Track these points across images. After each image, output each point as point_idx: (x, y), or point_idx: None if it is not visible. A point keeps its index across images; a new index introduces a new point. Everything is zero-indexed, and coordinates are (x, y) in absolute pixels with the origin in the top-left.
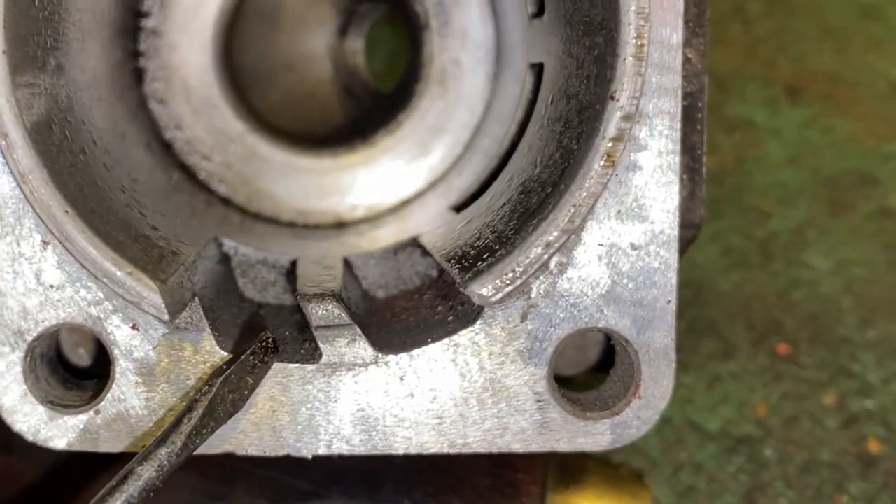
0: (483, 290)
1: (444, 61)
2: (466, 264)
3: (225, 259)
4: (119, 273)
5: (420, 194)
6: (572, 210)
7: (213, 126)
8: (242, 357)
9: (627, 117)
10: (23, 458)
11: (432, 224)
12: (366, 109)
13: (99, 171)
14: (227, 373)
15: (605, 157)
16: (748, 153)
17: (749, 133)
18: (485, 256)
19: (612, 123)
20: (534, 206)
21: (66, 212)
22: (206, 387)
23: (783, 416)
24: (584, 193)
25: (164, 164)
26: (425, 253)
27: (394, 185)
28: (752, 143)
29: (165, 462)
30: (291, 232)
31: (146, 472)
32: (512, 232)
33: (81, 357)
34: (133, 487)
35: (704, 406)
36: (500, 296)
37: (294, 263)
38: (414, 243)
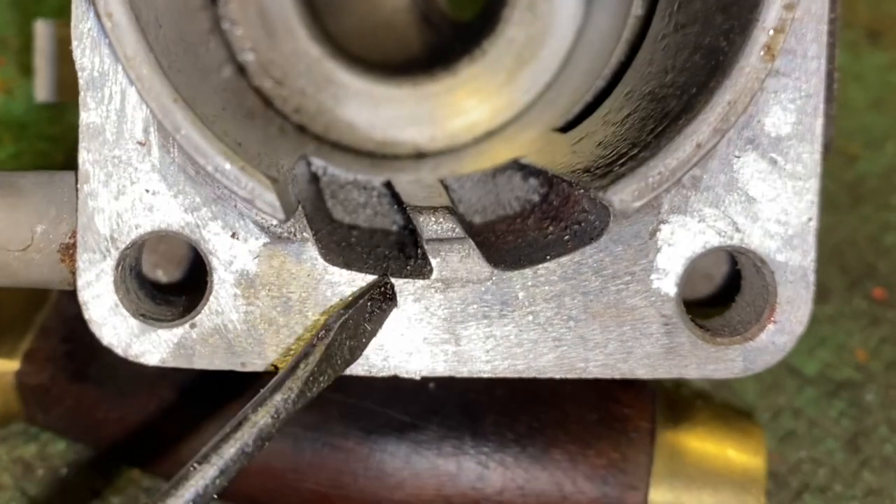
0: (625, 195)
1: None
2: (598, 172)
3: (314, 178)
4: (231, 167)
5: (505, 125)
6: (727, 108)
7: (287, 50)
8: (360, 302)
9: (789, 6)
10: (97, 386)
11: (519, 152)
12: (445, 37)
13: (192, 75)
14: (345, 317)
15: (764, 50)
16: None
17: None
18: (622, 162)
19: (772, 12)
20: (675, 109)
21: (175, 100)
22: (323, 331)
23: (884, 360)
24: (740, 89)
25: (237, 88)
26: (527, 174)
27: (477, 116)
28: None
29: (282, 409)
30: (369, 162)
31: (261, 419)
32: (651, 137)
33: (159, 277)
34: (248, 434)
35: (801, 349)
36: (643, 201)
37: (388, 184)
38: (515, 165)
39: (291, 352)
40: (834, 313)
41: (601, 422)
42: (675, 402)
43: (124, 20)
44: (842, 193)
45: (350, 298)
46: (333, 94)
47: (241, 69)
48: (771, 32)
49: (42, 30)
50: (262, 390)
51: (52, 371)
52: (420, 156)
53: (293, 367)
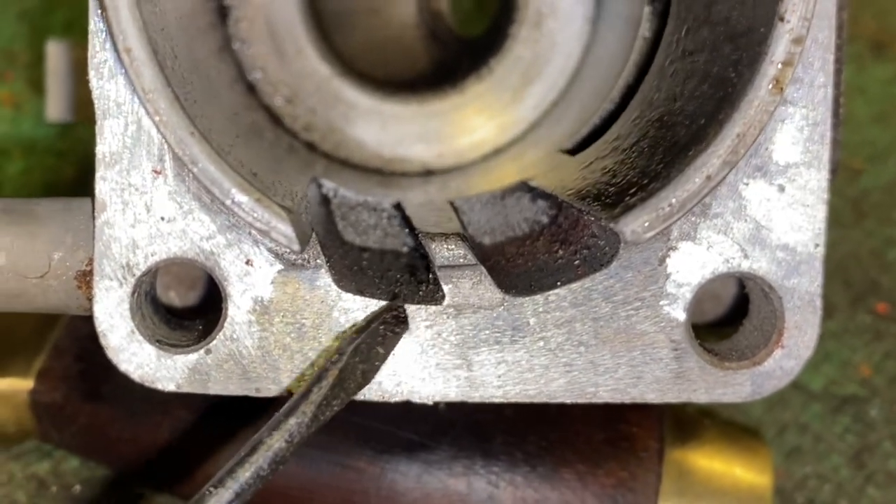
0: (636, 225)
1: (540, 3)
2: (608, 201)
3: (325, 200)
4: (247, 199)
5: (512, 143)
6: (736, 140)
7: (297, 69)
8: (373, 326)
9: (798, 40)
10: (110, 406)
11: (526, 171)
12: (453, 55)
13: (206, 101)
14: (357, 341)
15: (773, 83)
16: None
17: None
18: (632, 191)
19: (780, 46)
20: (683, 138)
21: (192, 133)
22: (337, 355)
23: (887, 375)
24: (749, 122)
25: (247, 106)
26: (536, 197)
27: (484, 134)
28: None
29: (296, 433)
30: (377, 180)
31: (276, 443)
32: (661, 166)
33: (172, 300)
34: (262, 458)
35: (807, 365)
36: (654, 232)
37: (398, 206)
38: (524, 186)
39: (306, 377)
40: (838, 329)
41: (610, 441)
42: (682, 420)
43: (143, 55)
44: (845, 208)
45: (363, 323)
46: (342, 112)
47: (251, 88)
48: (779, 66)
49: (54, 50)
50: (276, 414)
51: (66, 390)
52: (428, 173)
53: (307, 392)
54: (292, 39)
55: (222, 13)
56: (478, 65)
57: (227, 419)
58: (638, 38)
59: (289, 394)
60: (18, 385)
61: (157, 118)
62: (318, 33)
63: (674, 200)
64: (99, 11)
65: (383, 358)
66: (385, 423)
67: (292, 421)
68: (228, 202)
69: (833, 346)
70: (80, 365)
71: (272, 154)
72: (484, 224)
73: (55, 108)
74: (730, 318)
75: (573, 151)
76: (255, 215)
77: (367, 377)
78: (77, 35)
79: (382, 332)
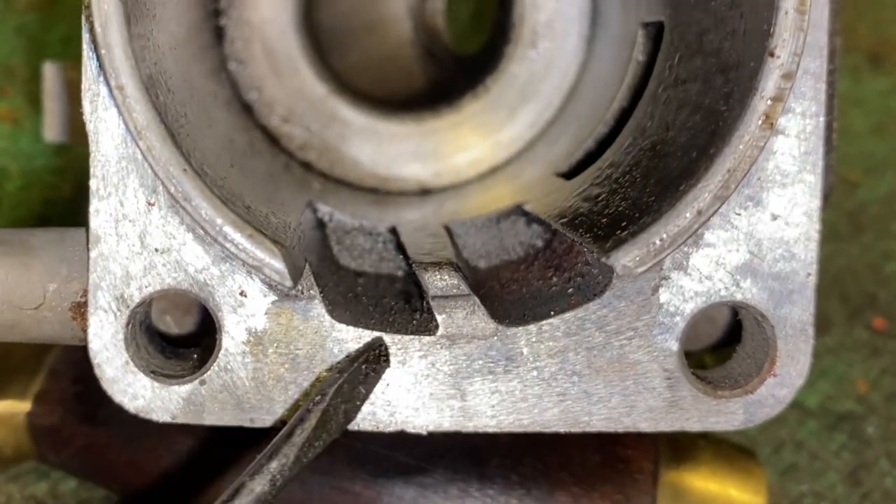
0: (627, 260)
1: (536, 22)
2: (600, 233)
3: (321, 225)
4: (240, 236)
5: (508, 161)
6: (727, 175)
7: (293, 88)
8: (355, 366)
9: (787, 76)
10: (107, 429)
11: (522, 192)
12: (449, 73)
13: (200, 130)
14: (339, 382)
15: (763, 119)
16: None
17: None
18: (623, 224)
19: (770, 82)
20: (675, 171)
21: (185, 170)
22: (318, 396)
23: (884, 392)
24: (739, 157)
25: (242, 127)
26: (530, 221)
27: (480, 152)
28: None
29: (278, 476)
30: (373, 199)
31: (258, 487)
32: (651, 199)
33: (168, 325)
34: (245, 502)
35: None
36: (645, 267)
37: (393, 231)
38: (518, 211)
39: (300, 407)
40: (835, 344)
41: (605, 463)
42: (677, 441)
43: (135, 93)
44: (842, 221)
45: (345, 362)
46: (338, 131)
47: (247, 108)
48: (769, 102)
49: (50, 72)
50: (258, 457)
51: (63, 412)
52: (425, 192)
53: (289, 434)
54: (288, 59)
55: (218, 34)
56: (474, 83)
57: (227, 443)
58: (632, 61)
59: (282, 424)
60: (16, 407)
61: (149, 156)
62: (315, 52)
63: (665, 235)
64: (90, 45)
65: (365, 397)
66: (382, 447)
67: (274, 464)
68: (221, 239)
69: (829, 362)
70: (77, 387)
71: (267, 180)
72: (479, 248)
73: (52, 129)
74: (725, 341)
75: (569, 175)
76: (248, 252)
77: (349, 416)
78: (75, 51)
79: (364, 371)
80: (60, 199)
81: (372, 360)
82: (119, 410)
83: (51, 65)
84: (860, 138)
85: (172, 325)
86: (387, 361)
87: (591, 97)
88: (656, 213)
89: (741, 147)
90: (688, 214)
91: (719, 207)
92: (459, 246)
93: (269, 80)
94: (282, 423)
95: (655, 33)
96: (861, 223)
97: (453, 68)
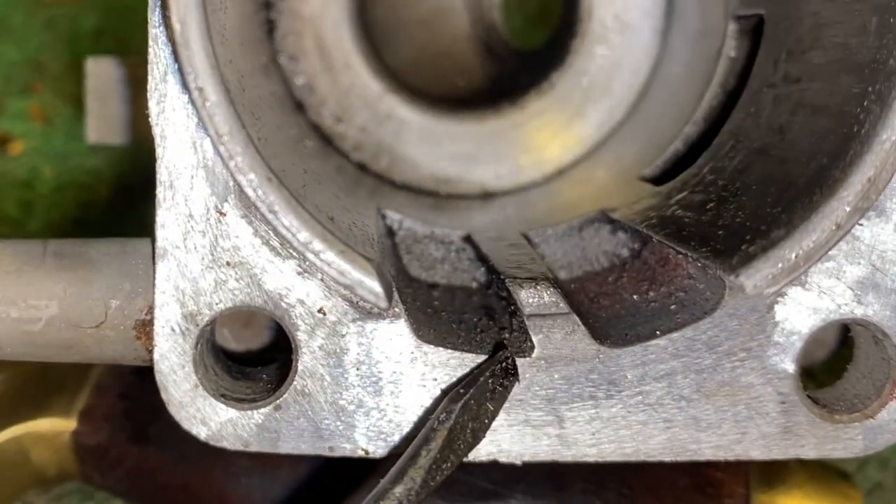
0: (757, 279)
1: (604, 15)
2: (719, 247)
3: (391, 233)
4: (332, 254)
5: (575, 163)
6: (868, 185)
7: (347, 85)
8: (481, 380)
9: None
10: (158, 449)
11: (596, 195)
12: (510, 68)
13: (272, 134)
14: (466, 397)
15: None
16: None
17: None
18: (748, 238)
19: None
20: (800, 178)
21: (269, 178)
22: (444, 414)
23: None
24: (882, 164)
25: (294, 125)
26: (616, 230)
27: (546, 153)
28: None
29: (405, 502)
30: (432, 202)
31: None
32: (777, 209)
33: (226, 339)
34: None
35: None
36: (778, 287)
37: (468, 239)
38: (603, 217)
39: (383, 435)
40: None
41: (694, 487)
42: (769, 463)
43: (216, 95)
44: None
45: (470, 376)
46: (394, 130)
47: (300, 106)
48: None
49: (94, 68)
50: (381, 481)
51: (110, 431)
52: (487, 196)
53: (414, 455)
54: (341, 54)
55: (269, 27)
56: (538, 79)
57: (293, 467)
58: (722, 57)
59: (365, 454)
60: (60, 425)
61: (231, 163)
62: (368, 47)
63: (800, 251)
64: (160, 42)
65: (494, 415)
66: (457, 470)
67: (400, 489)
68: (311, 256)
69: None
70: (125, 403)
71: (318, 176)
72: (559, 256)
73: (97, 129)
74: (830, 361)
75: (658, 181)
76: (340, 270)
77: (477, 436)
78: (108, 45)
79: (491, 387)
80: (98, 202)
81: (499, 374)
82: (171, 427)
83: (94, 60)
84: None
85: (231, 339)
86: (515, 376)
87: (668, 96)
88: (787, 225)
89: (882, 154)
90: (825, 228)
91: (859, 220)
92: (540, 253)
93: (321, 77)
94: (364, 452)
95: (752, 27)
96: None
97: (514, 64)
